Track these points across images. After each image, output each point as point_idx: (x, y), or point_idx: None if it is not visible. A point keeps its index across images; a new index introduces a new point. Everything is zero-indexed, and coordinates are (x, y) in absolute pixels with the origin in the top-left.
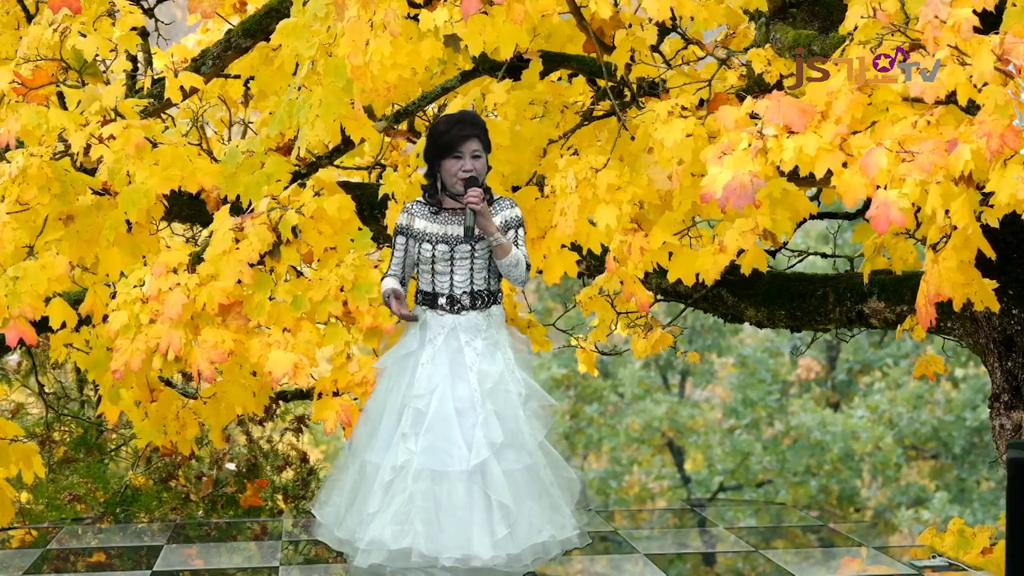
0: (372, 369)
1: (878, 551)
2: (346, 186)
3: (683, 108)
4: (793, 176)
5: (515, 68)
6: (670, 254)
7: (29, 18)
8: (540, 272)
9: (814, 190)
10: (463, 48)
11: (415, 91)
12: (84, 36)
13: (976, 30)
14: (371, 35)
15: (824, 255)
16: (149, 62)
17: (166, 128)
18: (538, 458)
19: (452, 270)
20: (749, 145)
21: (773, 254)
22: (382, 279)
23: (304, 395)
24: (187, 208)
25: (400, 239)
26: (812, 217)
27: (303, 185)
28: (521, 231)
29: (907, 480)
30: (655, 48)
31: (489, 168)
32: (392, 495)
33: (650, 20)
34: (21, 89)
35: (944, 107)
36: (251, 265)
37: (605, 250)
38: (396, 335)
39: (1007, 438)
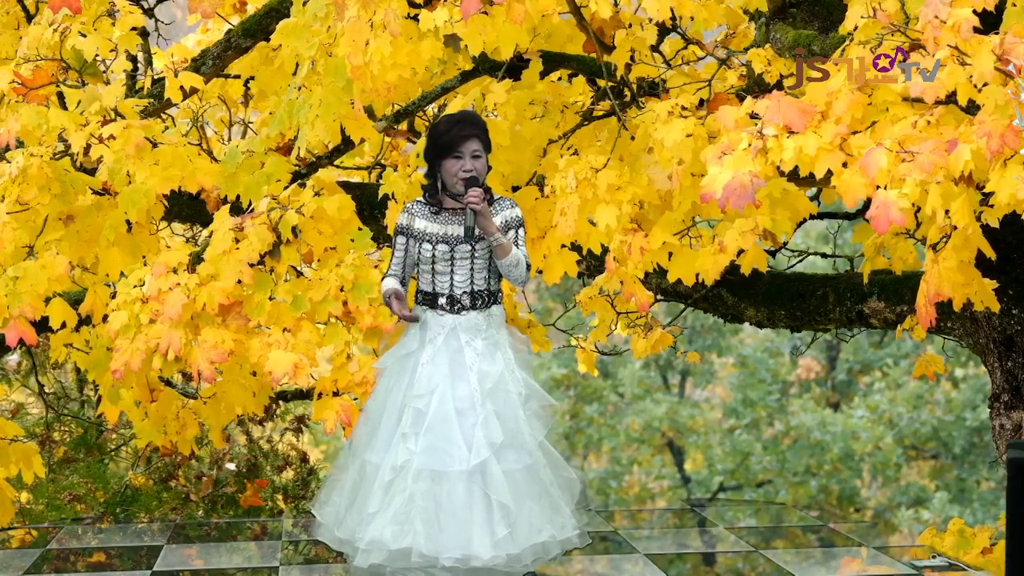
0: (372, 369)
1: (878, 551)
2: (346, 186)
3: (683, 108)
4: (793, 176)
5: (515, 68)
6: (670, 254)
7: (29, 18)
8: (540, 272)
9: (814, 190)
10: (463, 48)
11: (415, 91)
12: (84, 36)
13: (976, 30)
14: (371, 35)
15: (824, 255)
16: (149, 62)
17: (166, 128)
18: (538, 458)
19: (452, 270)
20: (749, 145)
21: (773, 254)
22: (382, 279)
23: (304, 395)
24: (187, 208)
25: (400, 239)
26: (812, 217)
27: (303, 185)
28: (521, 231)
29: (907, 480)
30: (655, 48)
31: (489, 168)
32: (392, 495)
33: (650, 20)
34: (21, 89)
35: (944, 107)
36: (251, 265)
37: (605, 250)
38: (396, 335)
39: (1007, 438)
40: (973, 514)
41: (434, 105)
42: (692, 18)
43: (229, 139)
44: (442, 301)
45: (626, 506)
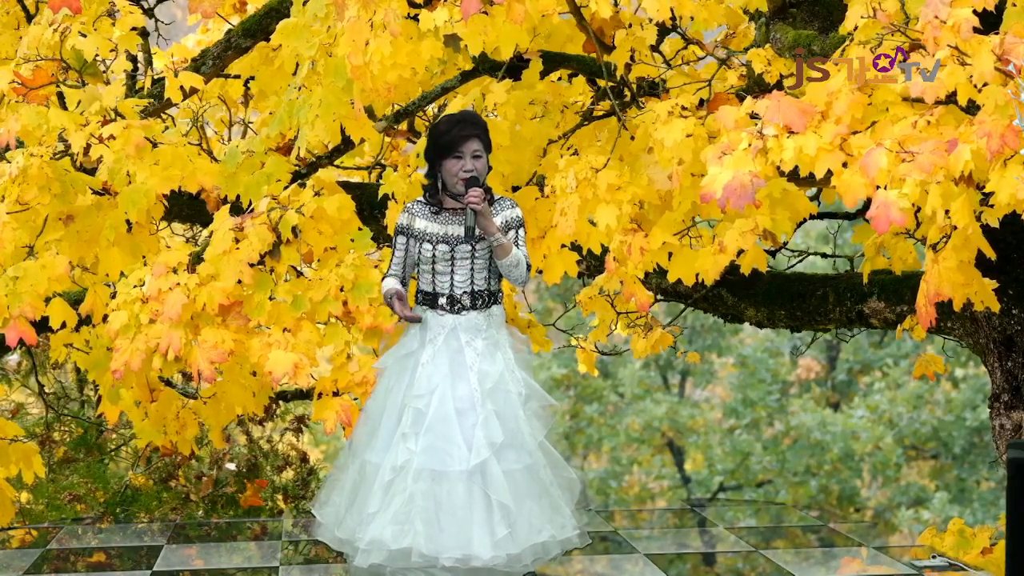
0: (372, 369)
1: (878, 551)
2: (346, 186)
3: (683, 108)
4: (793, 176)
5: (515, 68)
6: (670, 254)
7: (29, 18)
8: (540, 272)
9: (814, 190)
10: (463, 48)
11: (415, 91)
12: (84, 36)
13: (976, 30)
14: (371, 35)
15: (824, 255)
16: (149, 62)
17: (166, 128)
18: (538, 458)
19: (452, 270)
20: (749, 145)
21: (773, 254)
22: (382, 279)
23: (304, 395)
24: (187, 208)
25: (401, 239)
26: (812, 217)
27: (303, 185)
28: (522, 231)
29: (907, 480)
30: (655, 48)
31: (490, 168)
32: (392, 495)
33: (650, 20)
34: (21, 89)
35: (944, 107)
36: (251, 265)
37: (605, 250)
38: (396, 335)
39: (1007, 438)
40: (973, 514)
41: (434, 105)
42: (692, 18)
43: (229, 139)
44: (442, 301)
45: (626, 506)
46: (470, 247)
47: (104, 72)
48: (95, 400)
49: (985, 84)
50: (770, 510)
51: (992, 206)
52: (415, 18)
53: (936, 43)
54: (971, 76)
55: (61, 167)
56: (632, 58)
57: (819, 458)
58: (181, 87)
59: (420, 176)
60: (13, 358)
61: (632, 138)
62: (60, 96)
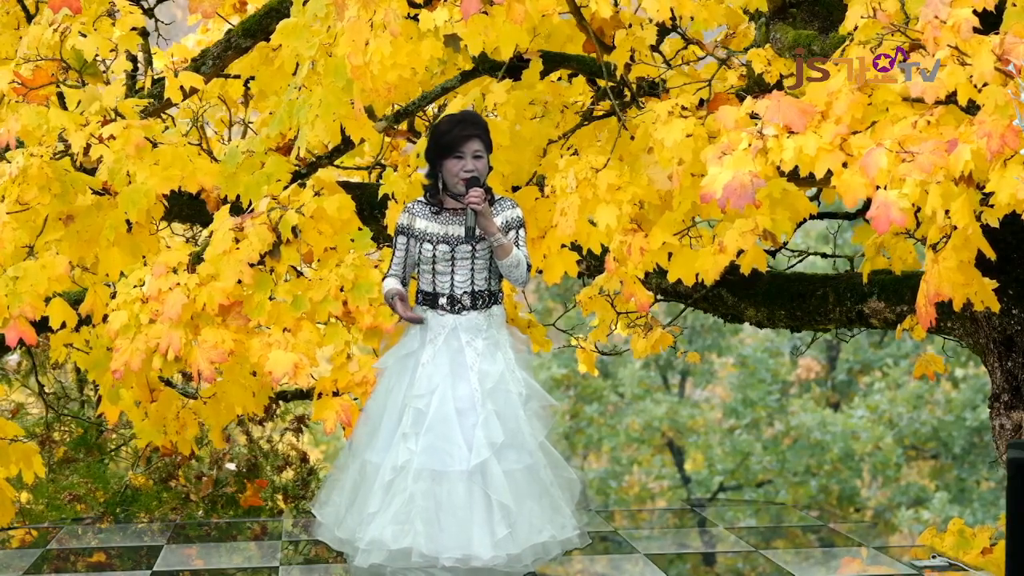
0: (372, 369)
1: (878, 551)
2: (346, 186)
3: (683, 108)
4: (793, 176)
5: (515, 68)
6: (670, 254)
7: (29, 18)
8: (540, 272)
9: (814, 190)
10: (463, 48)
11: (415, 91)
12: (84, 36)
13: (976, 30)
14: (371, 35)
15: (824, 255)
16: (149, 62)
17: (166, 128)
18: (538, 458)
19: (453, 270)
20: (749, 145)
21: (773, 254)
22: (383, 279)
23: (304, 395)
24: (187, 208)
25: (401, 239)
26: (812, 217)
27: (303, 185)
28: (522, 232)
29: (907, 480)
30: (655, 48)
31: (490, 168)
32: (392, 495)
33: (650, 20)
34: (21, 89)
35: (944, 107)
36: (251, 265)
37: (605, 250)
38: (396, 335)
39: (1007, 438)
40: (973, 514)
41: (434, 105)
42: (692, 18)
43: (229, 139)
44: (443, 301)
45: (626, 506)
46: (470, 247)
47: (104, 72)
48: (95, 400)
49: (985, 84)
50: (770, 510)
51: (992, 206)
52: (415, 18)
53: (936, 43)
54: (971, 76)
55: (61, 167)
56: (632, 58)
57: (819, 458)
58: (181, 87)
59: (420, 176)
60: (13, 358)
61: (632, 138)
62: (60, 96)
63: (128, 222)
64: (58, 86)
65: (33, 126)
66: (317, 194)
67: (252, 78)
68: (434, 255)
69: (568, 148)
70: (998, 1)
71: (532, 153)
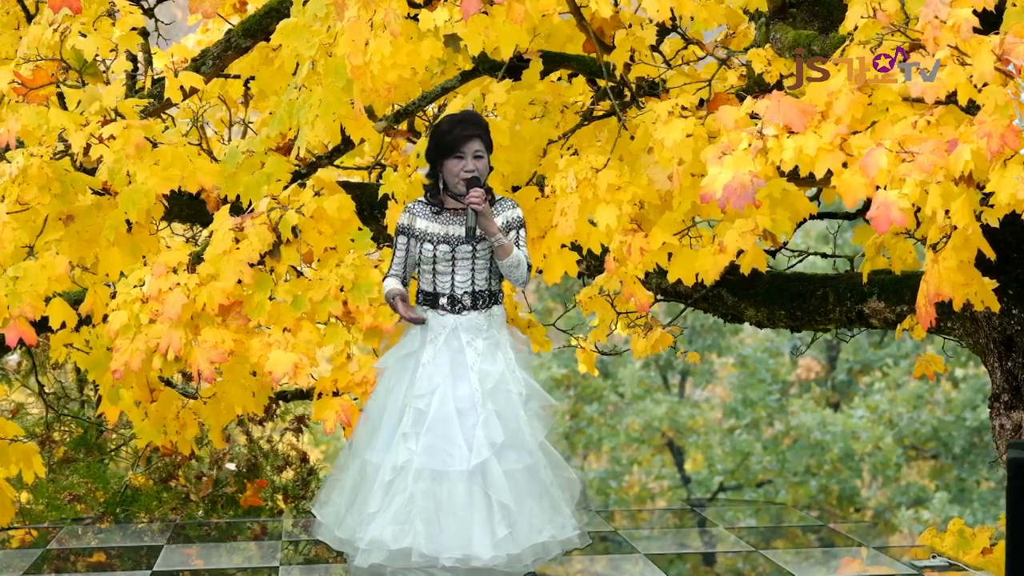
0: (372, 369)
1: (878, 551)
2: (346, 186)
3: (683, 108)
4: (793, 176)
5: (515, 68)
6: (670, 254)
7: (29, 18)
8: (540, 272)
9: (814, 190)
10: (463, 48)
11: (415, 91)
12: (84, 36)
13: (976, 30)
14: (371, 35)
15: (824, 255)
16: (149, 62)
17: (166, 128)
18: (539, 458)
19: (453, 270)
20: (749, 145)
21: (773, 254)
22: (383, 279)
23: (304, 395)
24: (187, 208)
25: (401, 239)
26: (812, 217)
27: (303, 185)
28: (523, 232)
29: (907, 480)
30: (655, 48)
31: (491, 168)
32: (392, 495)
33: (650, 20)
34: (21, 89)
35: (944, 107)
36: (251, 265)
37: (605, 250)
38: (397, 335)
39: (1007, 438)
40: (973, 514)
41: (434, 105)
42: (692, 18)
43: (229, 139)
44: (443, 301)
45: (626, 506)
46: (471, 247)
47: (104, 72)
48: (95, 400)
49: (985, 84)
50: (770, 510)
51: (992, 206)
52: (415, 18)
53: (936, 43)
54: (971, 76)
55: (61, 167)
56: (632, 58)
57: (819, 458)
58: (181, 87)
59: (420, 176)
60: (13, 358)
61: (632, 138)
62: (60, 96)
63: (128, 222)
64: (58, 86)
65: (33, 126)
66: (317, 194)
67: (252, 78)
68: (435, 255)
69: (568, 148)
70: (998, 1)
71: (532, 153)
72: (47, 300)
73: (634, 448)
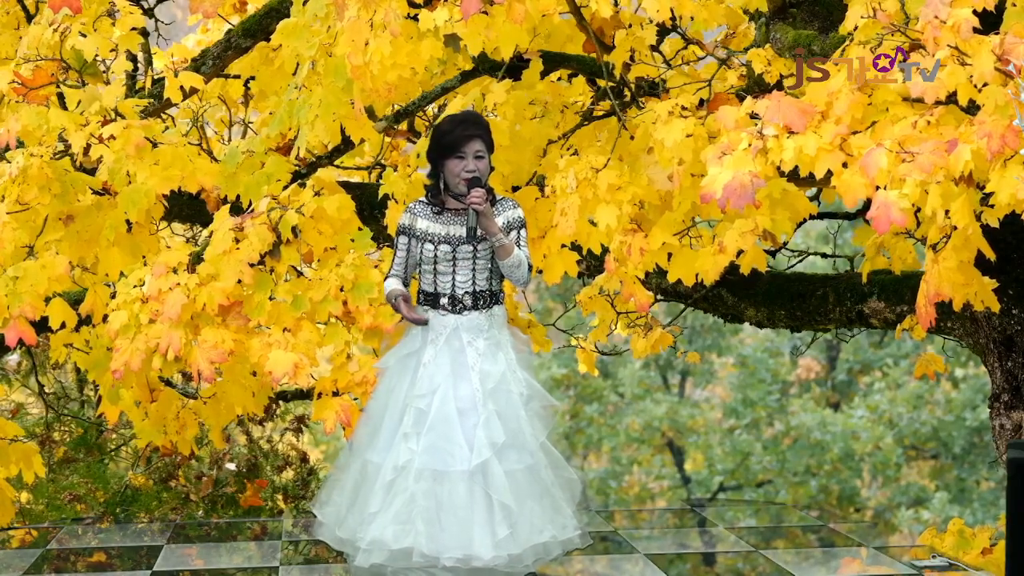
0: (372, 369)
1: (878, 551)
2: (346, 186)
3: (683, 108)
4: (793, 176)
5: (515, 68)
6: (670, 254)
7: (29, 18)
8: (540, 272)
9: (814, 190)
10: (463, 48)
11: (415, 91)
12: (84, 36)
13: (976, 30)
14: (371, 35)
15: (824, 255)
16: (149, 62)
17: (166, 128)
18: (539, 458)
19: (454, 270)
20: (749, 145)
21: (773, 254)
22: (384, 280)
23: (304, 395)
24: (187, 208)
25: (402, 239)
26: (812, 217)
27: (303, 185)
28: (523, 232)
29: (907, 480)
30: (655, 48)
31: (492, 169)
32: (393, 495)
33: (650, 20)
34: (21, 89)
35: (944, 107)
36: (251, 265)
37: (605, 250)
38: (397, 335)
39: (1007, 438)
40: (973, 514)
41: (434, 105)
42: (692, 18)
43: (229, 139)
44: (444, 301)
45: (626, 506)
46: (472, 247)
47: (104, 72)
48: (95, 400)
49: (985, 84)
50: (770, 510)
51: (992, 206)
52: (415, 18)
53: (936, 43)
54: (971, 76)
55: (61, 167)
56: (632, 58)
57: (819, 458)
58: (181, 87)
59: (420, 176)
60: (13, 358)
61: (632, 138)
62: (60, 96)
63: (128, 222)
64: (58, 86)
65: (33, 126)
66: (317, 194)
67: (252, 78)
68: (435, 255)
69: (568, 148)
70: (998, 1)
71: (532, 153)
72: (47, 300)
73: (634, 448)
